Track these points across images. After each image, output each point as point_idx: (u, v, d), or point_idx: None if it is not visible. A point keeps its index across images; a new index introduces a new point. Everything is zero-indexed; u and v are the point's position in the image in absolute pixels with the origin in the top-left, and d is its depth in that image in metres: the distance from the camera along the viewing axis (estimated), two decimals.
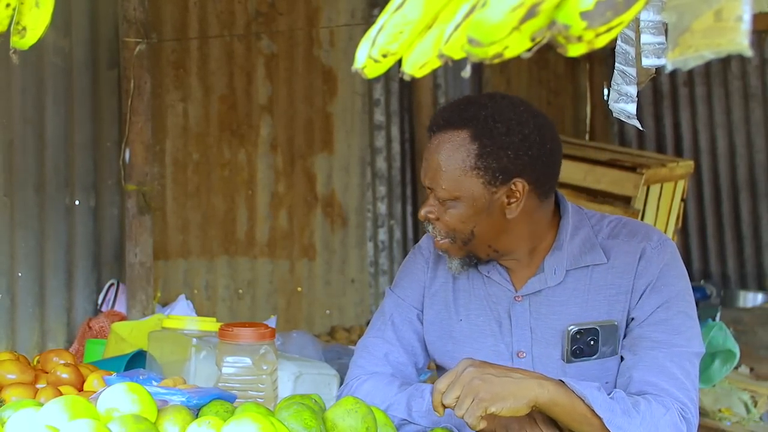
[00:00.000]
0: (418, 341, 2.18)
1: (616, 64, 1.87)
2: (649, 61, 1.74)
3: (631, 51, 1.84)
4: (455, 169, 1.93)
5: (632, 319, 2.00)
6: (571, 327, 2.00)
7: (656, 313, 1.97)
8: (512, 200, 1.96)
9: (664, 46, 1.73)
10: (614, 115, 1.91)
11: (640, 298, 1.99)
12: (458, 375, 1.81)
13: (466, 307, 2.12)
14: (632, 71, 1.86)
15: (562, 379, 1.84)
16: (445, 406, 1.81)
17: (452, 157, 1.93)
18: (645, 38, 1.72)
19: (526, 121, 1.94)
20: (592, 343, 2.00)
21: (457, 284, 2.14)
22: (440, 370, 2.22)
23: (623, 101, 1.88)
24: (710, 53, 1.05)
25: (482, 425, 1.78)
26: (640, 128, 1.98)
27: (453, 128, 1.94)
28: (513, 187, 1.95)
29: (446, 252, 2.05)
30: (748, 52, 1.04)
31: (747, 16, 1.03)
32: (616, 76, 1.88)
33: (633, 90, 1.88)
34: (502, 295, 2.08)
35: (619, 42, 1.86)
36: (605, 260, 2.02)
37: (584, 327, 1.99)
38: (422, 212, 2.00)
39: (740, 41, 1.03)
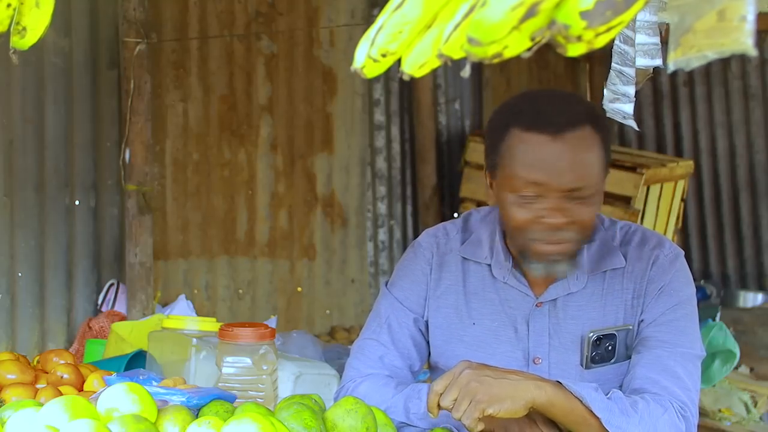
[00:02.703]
0: (414, 346, 2.14)
1: (613, 64, 1.86)
2: (643, 62, 1.74)
3: (630, 51, 1.84)
4: (599, 164, 1.90)
5: (641, 320, 2.02)
6: (592, 334, 2.00)
7: (664, 314, 1.99)
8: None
9: (659, 46, 1.74)
10: (608, 115, 1.91)
11: (650, 302, 2.01)
12: (455, 377, 1.80)
13: (479, 312, 2.08)
14: (630, 71, 1.86)
15: (560, 380, 1.84)
16: (441, 408, 1.80)
17: (594, 153, 1.88)
18: (640, 38, 1.72)
19: None
20: (610, 348, 2.01)
21: (467, 287, 2.09)
22: (439, 372, 2.18)
23: (620, 101, 1.88)
24: (713, 53, 1.05)
25: (480, 427, 1.77)
26: (637, 129, 1.98)
27: (579, 125, 1.88)
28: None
29: (562, 257, 1.93)
30: (753, 52, 1.04)
31: (751, 16, 1.03)
32: (613, 76, 1.88)
33: (631, 90, 1.87)
34: (521, 301, 2.04)
35: (617, 42, 1.86)
36: (624, 263, 2.03)
37: (604, 333, 2.00)
38: (559, 221, 1.87)
39: (744, 41, 1.03)
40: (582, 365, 2.01)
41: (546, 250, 1.91)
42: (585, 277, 2.02)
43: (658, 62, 1.80)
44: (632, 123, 1.88)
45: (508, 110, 1.97)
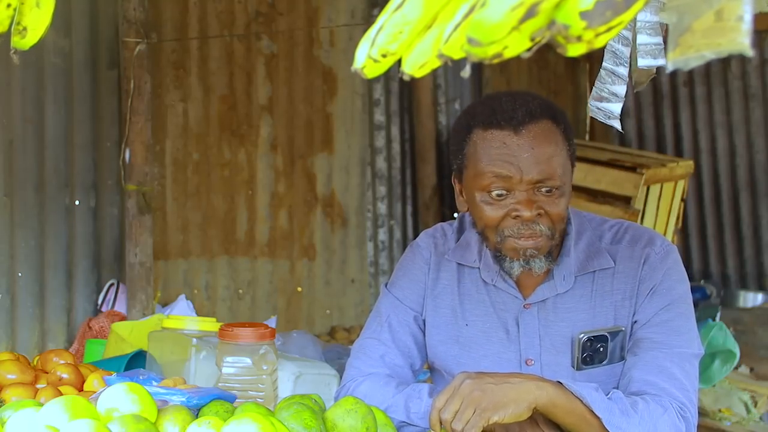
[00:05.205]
0: (415, 344, 2.15)
1: (604, 63, 1.86)
2: (645, 62, 1.74)
3: (625, 51, 1.84)
4: (563, 155, 1.91)
5: (635, 321, 2.01)
6: (582, 335, 1.99)
7: (658, 315, 1.98)
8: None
9: (661, 46, 1.74)
10: (590, 114, 1.91)
11: (643, 302, 2.00)
12: (456, 389, 1.79)
13: (471, 313, 2.09)
14: (623, 71, 1.86)
15: (560, 380, 1.84)
16: (443, 422, 1.79)
17: (557, 145, 1.90)
18: (641, 39, 1.72)
19: None
20: (601, 349, 2.00)
21: (461, 288, 2.11)
22: (437, 372, 2.20)
23: (608, 101, 1.87)
24: (711, 53, 1.05)
25: None
26: (620, 130, 1.97)
27: (538, 119, 1.90)
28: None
29: (537, 251, 1.93)
30: (749, 52, 1.04)
31: (748, 16, 1.03)
32: (603, 76, 1.87)
33: (621, 90, 1.87)
34: (510, 303, 2.06)
35: (610, 41, 1.85)
36: (612, 264, 2.02)
37: (594, 334, 2.00)
38: (530, 213, 1.88)
39: (741, 41, 1.03)
40: (573, 367, 2.01)
41: (520, 245, 1.92)
42: (572, 279, 2.02)
43: (661, 62, 1.80)
44: (616, 123, 1.87)
45: (468, 113, 2.00)
